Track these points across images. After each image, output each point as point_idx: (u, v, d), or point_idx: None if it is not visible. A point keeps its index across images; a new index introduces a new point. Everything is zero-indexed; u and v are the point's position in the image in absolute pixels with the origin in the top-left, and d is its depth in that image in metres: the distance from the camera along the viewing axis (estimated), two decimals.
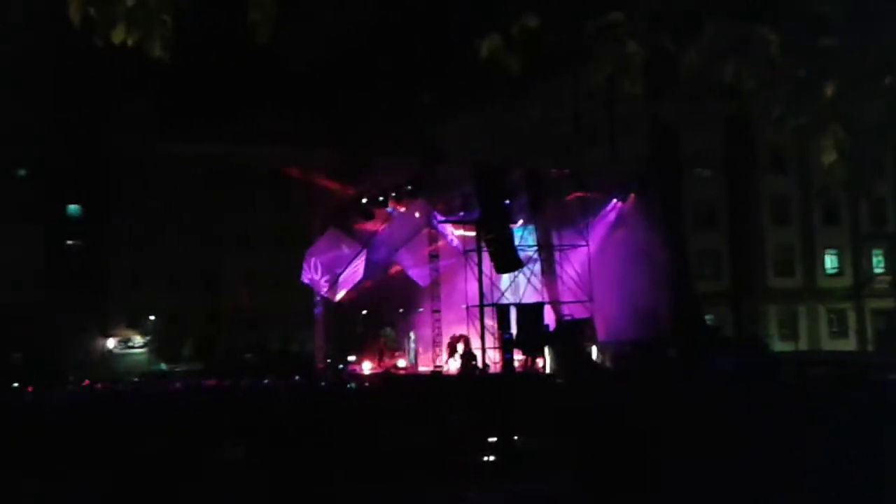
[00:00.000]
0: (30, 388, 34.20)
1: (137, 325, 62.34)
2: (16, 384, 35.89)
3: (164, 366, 54.12)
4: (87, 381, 37.82)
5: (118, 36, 4.51)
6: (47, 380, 37.20)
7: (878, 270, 52.25)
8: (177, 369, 50.37)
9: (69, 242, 62.30)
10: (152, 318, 62.01)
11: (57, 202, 61.47)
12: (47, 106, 58.73)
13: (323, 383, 35.67)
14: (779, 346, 45.31)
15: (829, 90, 4.69)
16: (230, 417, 19.70)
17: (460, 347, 36.12)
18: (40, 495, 12.70)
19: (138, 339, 61.78)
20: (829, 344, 49.91)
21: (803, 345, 48.44)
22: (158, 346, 60.21)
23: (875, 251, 52.80)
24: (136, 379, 41.67)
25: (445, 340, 37.27)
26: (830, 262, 52.78)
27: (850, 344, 50.08)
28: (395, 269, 40.27)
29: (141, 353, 60.83)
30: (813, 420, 15.86)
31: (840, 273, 52.62)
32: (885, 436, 13.50)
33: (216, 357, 52.81)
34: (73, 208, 63.01)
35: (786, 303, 50.60)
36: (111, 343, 61.59)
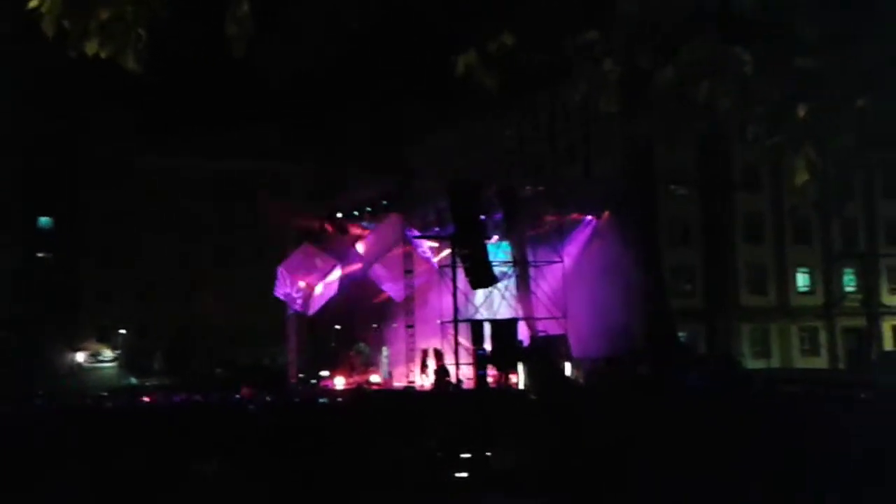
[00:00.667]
0: None
1: (107, 338, 61.79)
2: None
3: (133, 380, 53.60)
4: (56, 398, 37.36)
5: (91, 48, 4.48)
6: (15, 395, 36.72)
7: (849, 289, 52.73)
8: (147, 383, 49.87)
9: (39, 255, 61.68)
10: (122, 331, 61.48)
11: (29, 214, 60.92)
12: (21, 115, 58.27)
13: (297, 399, 35.45)
14: (751, 363, 45.56)
15: (802, 111, 4.73)
16: (202, 432, 19.54)
17: (431, 363, 36.04)
18: None
19: (108, 353, 61.23)
20: (800, 362, 50.26)
21: (775, 362, 48.74)
22: (128, 361, 59.68)
23: (846, 270, 53.28)
24: (104, 394, 41.16)
25: (419, 355, 37.17)
26: (802, 280, 53.21)
27: (821, 362, 50.48)
28: (369, 283, 40.14)
29: (111, 368, 60.27)
30: (783, 435, 15.96)
31: (812, 292, 53.06)
32: (855, 451, 13.61)
33: (186, 371, 52.36)
34: (44, 220, 62.41)
35: (758, 320, 50.91)
36: (80, 357, 60.96)
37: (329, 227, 40.49)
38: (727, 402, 24.61)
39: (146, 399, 36.16)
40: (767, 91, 4.76)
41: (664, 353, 35.66)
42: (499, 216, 36.21)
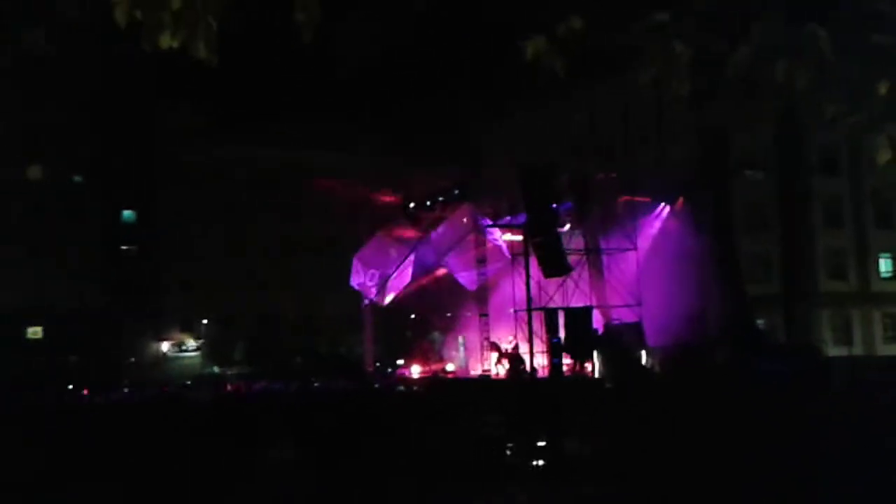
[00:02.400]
0: (85, 391, 34.83)
1: (190, 329, 63.21)
2: (70, 386, 36.57)
3: (216, 369, 54.75)
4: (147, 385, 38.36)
5: (165, 41, 4.55)
6: (103, 383, 37.86)
7: None
8: (229, 372, 50.94)
9: (124, 248, 63.31)
10: (205, 322, 62.80)
11: (111, 209, 62.54)
12: (101, 112, 59.79)
13: (377, 385, 35.88)
14: (832, 350, 44.51)
15: (882, 89, 4.60)
16: (281, 419, 19.88)
17: (505, 348, 36.07)
18: (97, 494, 12.91)
19: (191, 343, 62.65)
20: (883, 349, 48.94)
21: (857, 349, 47.53)
22: (210, 350, 60.97)
23: None
24: (188, 382, 42.19)
25: (500, 342, 37.22)
26: (885, 265, 51.74)
27: None
28: (442, 273, 40.28)
29: (194, 357, 61.66)
30: (863, 425, 15.59)
31: (894, 277, 51.59)
32: None
33: (267, 360, 53.27)
34: (127, 214, 64.02)
35: (839, 307, 49.69)
36: (165, 347, 62.50)
37: (402, 217, 40.75)
38: (807, 392, 24.09)
39: (229, 388, 36.93)
40: (846, 69, 4.65)
41: (741, 340, 35.03)
42: (571, 204, 35.93)
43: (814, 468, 12.74)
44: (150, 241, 63.21)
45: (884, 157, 4.65)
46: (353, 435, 16.93)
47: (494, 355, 36.15)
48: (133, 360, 57.14)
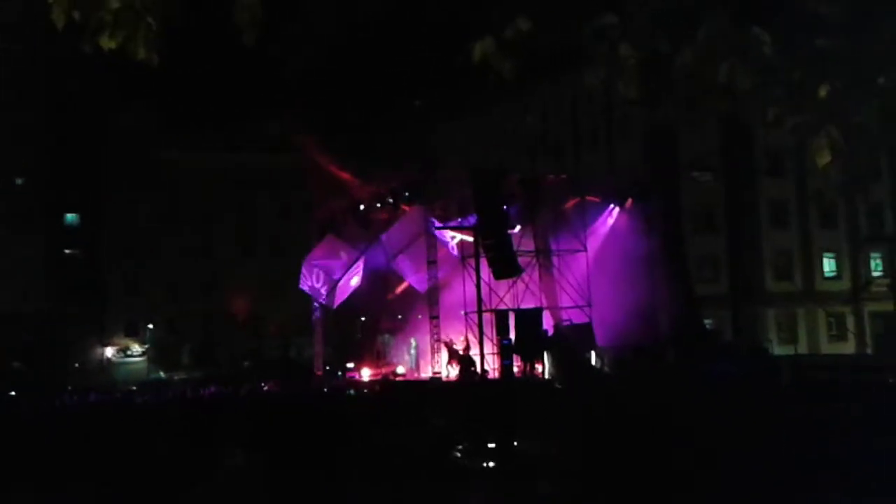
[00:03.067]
0: (27, 397, 34.17)
1: (136, 333, 62.31)
2: (13, 393, 35.84)
3: (162, 374, 54.03)
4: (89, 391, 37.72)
5: (105, 42, 4.48)
6: (46, 389, 37.15)
7: (876, 273, 52.22)
8: (175, 377, 50.26)
9: (68, 251, 62.26)
10: (150, 326, 61.97)
11: (55, 211, 61.48)
12: (45, 114, 58.78)
13: (325, 389, 35.66)
14: (778, 349, 45.26)
15: (823, 91, 4.67)
16: (231, 424, 19.68)
17: (457, 349, 36.12)
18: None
19: (136, 348, 61.73)
20: (828, 347, 49.85)
21: (802, 348, 48.37)
22: (157, 355, 60.16)
23: (873, 254, 52.77)
24: (133, 388, 41.56)
25: (443, 346, 37.19)
26: (829, 265, 52.76)
27: (849, 347, 50.03)
28: (392, 275, 40.21)
29: (139, 362, 60.78)
30: (812, 422, 15.86)
31: (838, 276, 52.61)
32: (884, 436, 13.49)
33: (214, 365, 52.73)
34: (71, 217, 62.95)
35: (785, 306, 50.55)
36: (109, 352, 61.52)
37: (353, 219, 40.62)
38: (755, 390, 24.46)
39: (171, 394, 36.44)
40: (788, 71, 4.71)
41: (690, 340, 35.48)
42: (522, 206, 36.11)
43: (764, 465, 12.92)
44: (95, 245, 62.22)
45: (824, 158, 4.72)
46: (303, 439, 16.82)
47: (445, 355, 36.17)
48: (77, 365, 56.16)
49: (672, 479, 12.34)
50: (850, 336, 50.89)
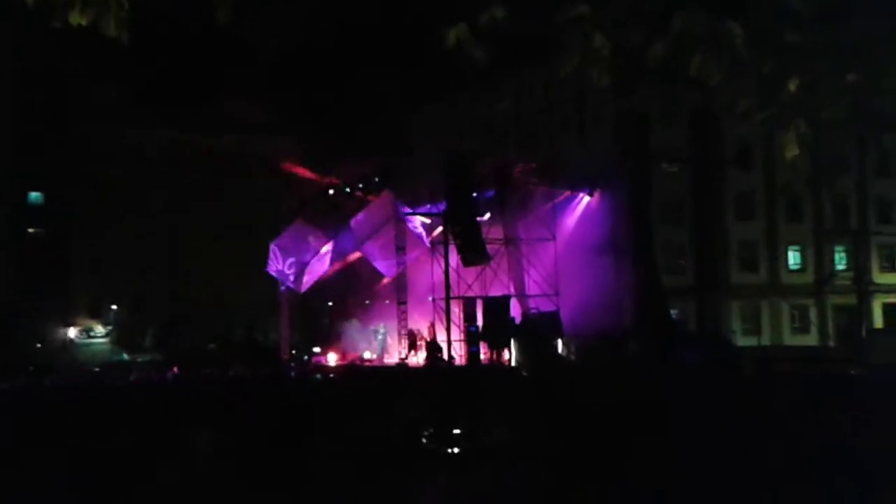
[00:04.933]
0: None
1: (99, 314, 61.70)
2: None
3: (125, 356, 53.56)
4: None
5: (75, 18, 4.42)
6: (7, 369, 36.70)
7: (840, 267, 52.83)
8: (138, 359, 49.86)
9: (31, 230, 61.50)
10: (114, 307, 61.40)
11: (19, 189, 60.66)
12: (9, 90, 57.92)
13: (292, 373, 35.58)
14: (741, 340, 45.67)
15: (793, 85, 4.71)
16: (196, 408, 19.59)
17: (421, 339, 36.18)
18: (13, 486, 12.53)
19: (100, 329, 61.13)
20: (791, 339, 50.37)
21: (766, 340, 48.84)
22: (120, 336, 59.62)
23: (837, 248, 53.34)
24: (96, 369, 41.19)
25: (414, 329, 37.26)
26: (794, 258, 53.25)
27: (812, 339, 50.58)
28: (361, 260, 40.13)
29: (103, 343, 60.17)
30: (774, 411, 16.06)
31: (803, 269, 53.11)
32: (844, 426, 13.70)
33: (179, 347, 52.36)
34: (34, 195, 62.13)
35: (749, 298, 51.00)
36: (72, 332, 60.89)
37: (322, 204, 40.48)
38: (717, 380, 24.74)
39: (133, 377, 36.15)
40: (758, 65, 4.74)
41: (655, 330, 35.74)
42: (491, 193, 36.15)
43: (726, 452, 13.08)
44: (59, 224, 61.48)
45: (792, 151, 4.77)
46: (268, 424, 16.79)
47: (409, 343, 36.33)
48: (40, 345, 55.55)
49: (633, 464, 12.46)
50: (813, 328, 51.50)
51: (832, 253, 53.24)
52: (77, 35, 4.63)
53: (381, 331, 39.66)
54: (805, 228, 52.88)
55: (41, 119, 59.18)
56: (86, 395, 26.46)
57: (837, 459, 12.04)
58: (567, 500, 11.49)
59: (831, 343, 49.67)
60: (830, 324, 51.74)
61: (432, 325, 35.88)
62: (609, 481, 11.95)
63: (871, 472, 11.04)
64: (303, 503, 12.30)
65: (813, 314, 52.06)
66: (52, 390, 29.98)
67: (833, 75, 4.73)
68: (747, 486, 11.47)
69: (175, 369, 37.09)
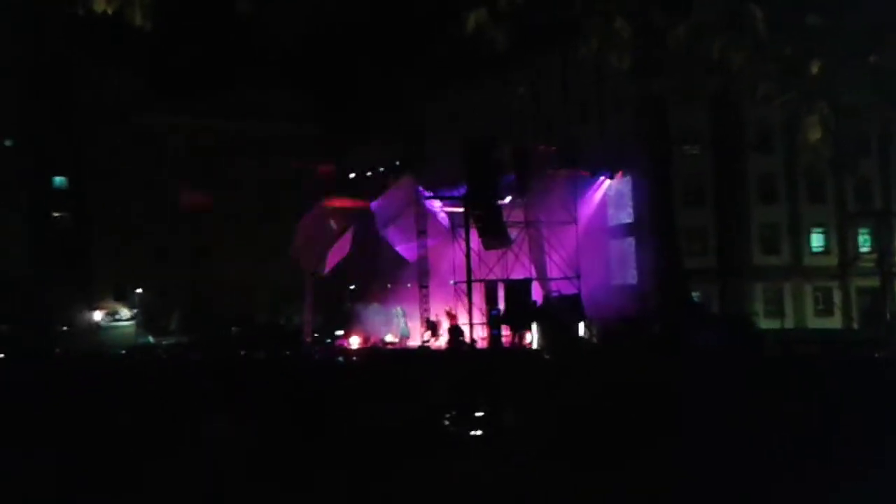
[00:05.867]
0: (15, 360, 34.17)
1: (124, 297, 62.22)
2: (1, 355, 35.82)
3: (151, 339, 54.01)
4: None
5: (99, 5, 4.46)
6: (33, 352, 37.14)
7: (863, 249, 52.45)
8: (164, 342, 50.29)
9: (55, 214, 62.04)
10: (139, 291, 61.89)
11: (43, 174, 61.17)
12: (34, 78, 58.30)
13: (316, 356, 35.75)
14: (764, 323, 45.49)
15: (815, 68, 4.69)
16: (218, 391, 19.73)
17: (444, 322, 36.27)
18: (21, 467, 12.69)
19: (125, 312, 61.62)
20: (814, 322, 50.14)
21: (789, 323, 48.65)
22: (145, 319, 60.08)
23: (861, 229, 52.96)
24: (122, 352, 41.60)
25: (433, 316, 37.35)
26: (816, 240, 52.93)
27: (835, 322, 50.34)
28: (383, 244, 40.23)
29: (128, 326, 60.66)
30: (796, 395, 16.01)
31: (826, 251, 52.79)
32: (868, 410, 13.64)
33: (203, 330, 52.73)
34: (59, 180, 62.66)
35: (772, 280, 50.77)
36: (98, 316, 61.44)
37: (344, 188, 40.60)
38: (740, 362, 24.65)
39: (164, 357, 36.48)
40: (780, 48, 4.73)
41: (677, 312, 35.67)
42: (512, 177, 36.11)
43: (749, 436, 13.05)
44: (84, 208, 61.99)
45: (815, 134, 4.75)
46: (292, 406, 16.90)
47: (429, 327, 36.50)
48: (65, 329, 56.10)
49: (653, 452, 12.47)
50: (837, 311, 51.21)
51: (856, 235, 52.86)
52: (98, 19, 4.68)
53: (402, 314, 39.77)
54: (828, 210, 52.52)
55: (66, 104, 59.60)
56: (108, 376, 26.69)
57: (863, 447, 12.00)
58: (575, 485, 11.52)
59: (855, 325, 49.40)
60: (854, 306, 51.44)
61: (450, 311, 35.95)
62: (627, 467, 11.97)
63: None
64: (323, 489, 12.40)
65: (837, 296, 51.75)
66: (74, 371, 30.26)
67: (855, 57, 4.71)
68: (762, 475, 11.47)
69: (199, 353, 37.40)
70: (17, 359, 33.78)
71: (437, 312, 37.29)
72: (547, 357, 31.30)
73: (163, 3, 4.61)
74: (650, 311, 35.63)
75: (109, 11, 4.47)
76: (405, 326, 39.46)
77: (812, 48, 4.70)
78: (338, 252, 40.80)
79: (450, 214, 37.43)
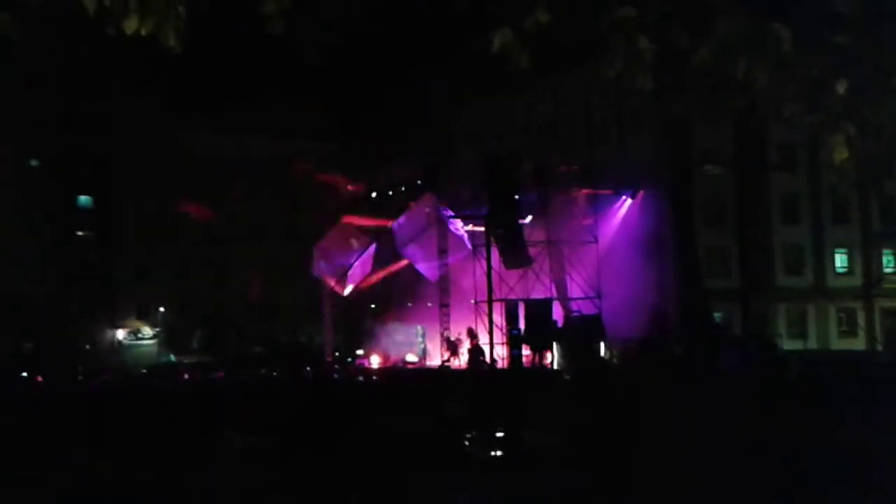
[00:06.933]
0: (39, 378, 34.38)
1: (147, 316, 62.57)
2: (25, 373, 36.06)
3: (173, 357, 54.25)
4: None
5: (131, 26, 4.50)
6: (57, 370, 37.36)
7: (888, 270, 52.04)
8: (186, 361, 50.49)
9: (80, 233, 62.54)
10: (161, 309, 62.22)
11: (68, 193, 61.72)
12: (59, 96, 58.92)
13: (336, 375, 35.78)
14: (787, 344, 45.16)
15: (841, 88, 4.67)
16: (239, 409, 19.78)
17: (466, 342, 36.20)
18: (46, 484, 12.77)
19: (147, 331, 61.98)
20: (838, 343, 49.71)
21: (812, 344, 48.27)
22: (167, 338, 60.39)
23: (885, 250, 52.57)
24: (143, 371, 41.79)
25: (454, 335, 37.28)
26: (840, 260, 52.57)
27: (859, 343, 49.89)
28: (403, 263, 40.26)
29: (150, 345, 61.02)
30: (818, 419, 15.85)
31: (850, 272, 52.41)
32: (889, 434, 13.48)
33: (225, 349, 52.93)
34: (83, 199, 63.21)
35: (795, 301, 50.43)
36: (120, 334, 61.80)
37: (365, 207, 40.69)
38: (763, 385, 24.44)
39: (186, 376, 36.60)
40: (806, 68, 4.71)
41: (699, 334, 35.44)
42: (533, 196, 36.07)
43: (771, 458, 12.94)
44: (107, 227, 62.46)
45: (841, 155, 4.73)
46: (313, 425, 16.92)
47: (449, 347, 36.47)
48: (88, 347, 56.45)
49: (673, 472, 12.38)
50: (861, 332, 50.75)
51: (880, 256, 52.44)
52: (125, 39, 4.72)
53: (423, 333, 39.74)
54: (852, 230, 52.15)
55: (89, 123, 60.15)
56: (131, 395, 26.82)
57: (878, 470, 11.85)
58: None
59: (879, 347, 48.93)
60: (878, 328, 50.96)
61: (470, 330, 35.88)
62: (647, 489, 11.89)
63: None
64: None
65: (860, 318, 51.30)
66: (99, 390, 30.42)
67: (881, 78, 4.68)
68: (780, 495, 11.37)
69: (221, 372, 37.50)
70: (51, 379, 33.96)
71: (459, 331, 37.22)
72: (567, 378, 31.15)
73: (194, 24, 4.65)
74: (671, 332, 35.41)
75: (143, 32, 4.51)
76: (423, 346, 39.43)
77: (839, 68, 4.67)
78: (359, 271, 40.87)
79: (470, 233, 37.42)
